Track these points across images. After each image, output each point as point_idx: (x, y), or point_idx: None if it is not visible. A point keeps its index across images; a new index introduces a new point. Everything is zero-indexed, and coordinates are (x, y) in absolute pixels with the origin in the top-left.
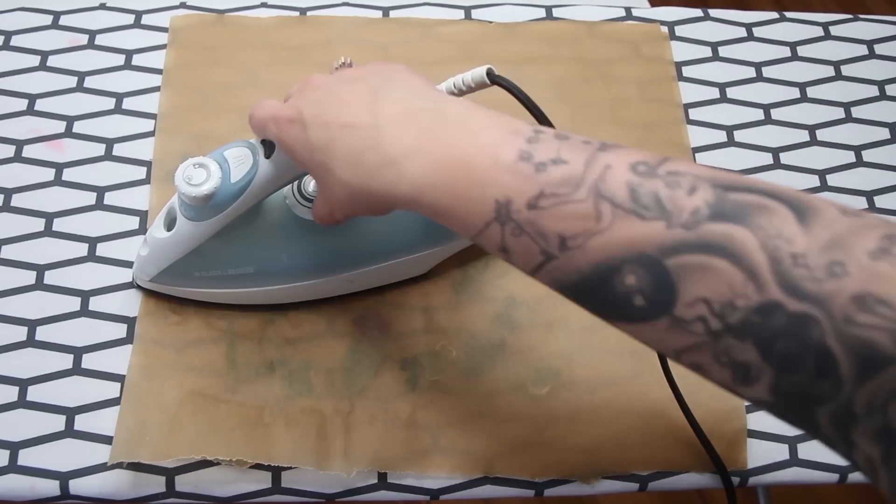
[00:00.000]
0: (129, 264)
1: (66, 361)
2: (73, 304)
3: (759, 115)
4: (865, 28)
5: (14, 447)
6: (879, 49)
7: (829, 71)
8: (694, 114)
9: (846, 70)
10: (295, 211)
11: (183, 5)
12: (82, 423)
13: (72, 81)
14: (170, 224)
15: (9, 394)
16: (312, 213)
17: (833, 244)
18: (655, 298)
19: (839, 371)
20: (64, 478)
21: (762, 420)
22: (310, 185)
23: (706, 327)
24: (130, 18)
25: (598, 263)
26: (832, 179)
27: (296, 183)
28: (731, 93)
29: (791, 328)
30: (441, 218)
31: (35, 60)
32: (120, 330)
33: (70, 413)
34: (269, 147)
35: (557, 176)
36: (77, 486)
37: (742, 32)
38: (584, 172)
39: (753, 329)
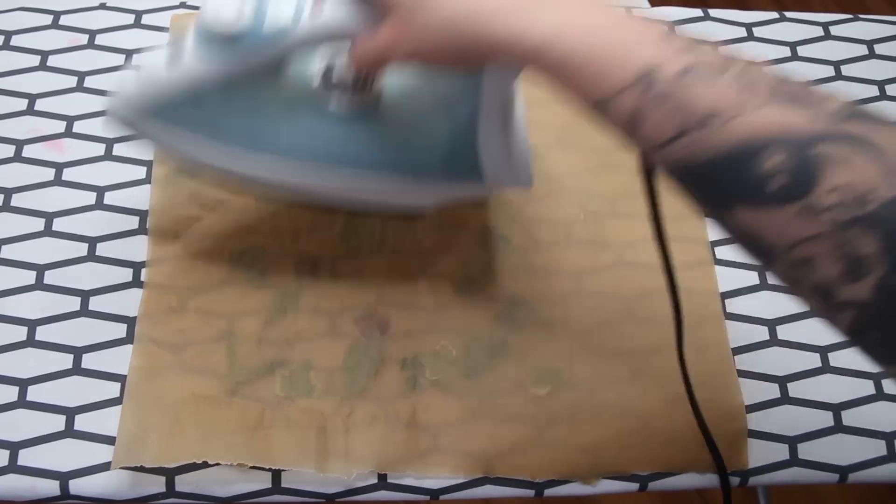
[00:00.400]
0: (129, 264)
1: (66, 361)
2: (73, 303)
3: None
4: (865, 28)
5: (14, 447)
6: (879, 49)
7: (829, 71)
8: None
9: (846, 70)
10: (319, 91)
11: (183, 5)
12: (82, 423)
13: (72, 81)
14: (176, 57)
15: (9, 394)
16: (356, 46)
17: None
18: (794, 182)
19: None
20: (64, 478)
21: (762, 420)
22: (340, 69)
23: (835, 217)
24: (130, 18)
25: (740, 143)
26: None
27: (324, 66)
28: None
29: None
30: (565, 75)
31: (35, 60)
32: (120, 330)
33: (70, 413)
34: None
35: (706, 58)
36: (77, 486)
37: (742, 32)
38: (729, 63)
39: (883, 220)
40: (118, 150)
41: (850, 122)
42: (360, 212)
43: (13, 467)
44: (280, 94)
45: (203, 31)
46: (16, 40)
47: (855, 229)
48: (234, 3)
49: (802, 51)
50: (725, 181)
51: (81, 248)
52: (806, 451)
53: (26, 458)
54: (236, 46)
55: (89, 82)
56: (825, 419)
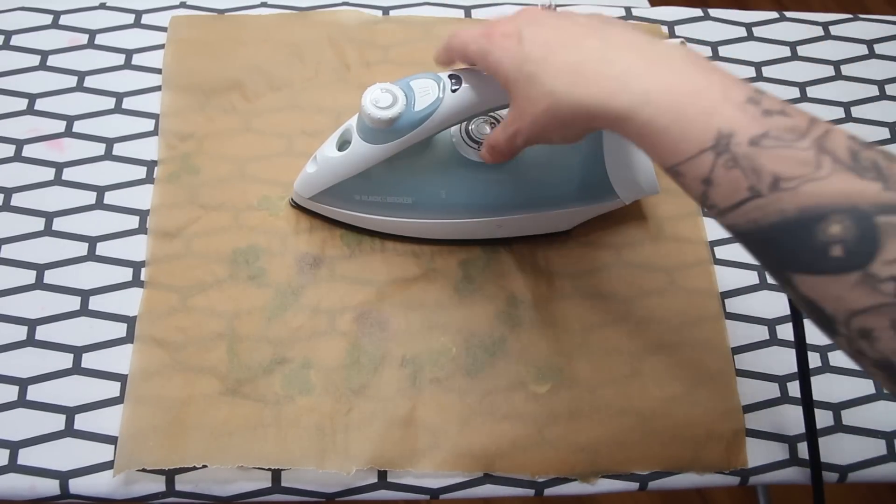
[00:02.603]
0: (129, 263)
1: (66, 361)
2: (73, 303)
3: None
4: (865, 28)
5: (14, 447)
6: (879, 49)
7: (829, 71)
8: None
9: (846, 70)
10: (460, 150)
11: (183, 5)
12: (82, 422)
13: (72, 81)
14: (342, 146)
15: (9, 393)
16: (486, 145)
17: None
18: (855, 251)
19: None
20: (64, 477)
21: (762, 420)
22: (485, 127)
23: None
24: (130, 18)
25: (806, 208)
26: None
27: (464, 125)
28: None
29: None
30: (649, 138)
31: (35, 60)
32: (120, 329)
33: (70, 412)
34: (455, 81)
35: (783, 124)
36: (77, 486)
37: (742, 32)
38: (808, 128)
39: None
40: (118, 149)
41: None
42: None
43: (13, 467)
44: (431, 159)
45: (363, 125)
46: (16, 40)
47: None
48: (386, 98)
49: (802, 51)
50: (788, 246)
51: (81, 248)
52: (806, 450)
53: (26, 457)
54: (392, 133)
55: (89, 82)
56: (825, 419)
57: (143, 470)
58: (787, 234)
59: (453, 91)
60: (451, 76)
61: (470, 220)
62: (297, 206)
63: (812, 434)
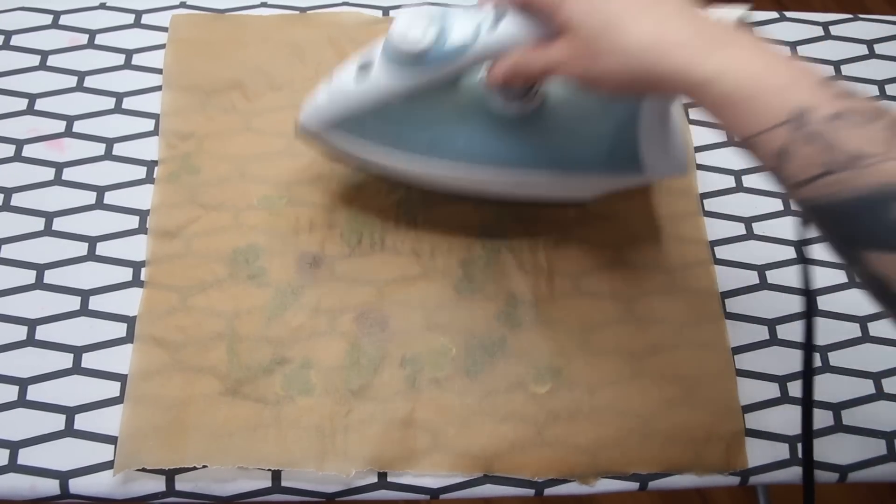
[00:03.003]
0: (129, 263)
1: (66, 361)
2: (73, 303)
3: None
4: (865, 28)
5: (14, 446)
6: (879, 49)
7: (829, 71)
8: (694, 113)
9: (846, 70)
10: (488, 98)
11: (183, 4)
12: (82, 422)
13: (72, 81)
14: (362, 70)
15: (9, 393)
16: (507, 63)
17: None
18: None
19: None
20: (64, 477)
21: (762, 420)
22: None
23: None
24: (130, 18)
25: (881, 186)
26: None
27: None
28: None
29: None
30: (728, 108)
31: (35, 60)
32: (120, 329)
33: (70, 412)
34: (497, 16)
35: (859, 105)
36: (77, 486)
37: None
38: (880, 112)
39: None
40: (118, 149)
41: None
42: (523, 203)
43: (13, 466)
44: (455, 102)
45: (390, 49)
46: (16, 40)
47: None
48: (420, 23)
49: (802, 50)
50: (861, 223)
51: (81, 248)
52: None
53: (26, 457)
54: (422, 63)
55: (89, 82)
56: (825, 419)
57: (143, 470)
58: (861, 211)
59: (494, 26)
60: (494, 9)
61: (489, 173)
62: (306, 135)
63: (808, 434)
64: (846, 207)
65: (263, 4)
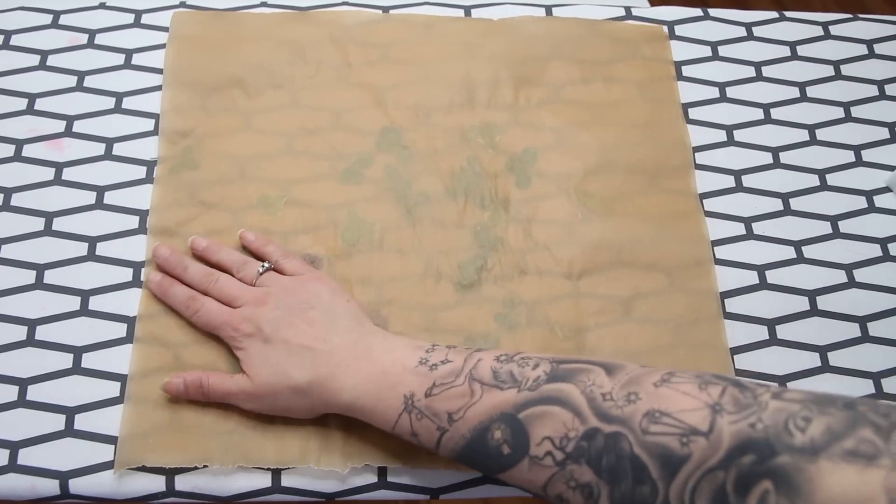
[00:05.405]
0: (129, 263)
1: (66, 361)
2: (73, 303)
3: (758, 114)
4: (865, 28)
5: (14, 447)
6: (879, 49)
7: (829, 70)
8: (694, 113)
9: (846, 70)
10: None
11: (183, 4)
12: (82, 422)
13: (72, 81)
14: None
15: (9, 393)
16: (211, 379)
17: (629, 382)
18: (515, 445)
19: (651, 474)
20: (64, 477)
21: None
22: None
23: (553, 459)
24: (130, 18)
25: (475, 427)
26: (832, 179)
27: None
28: (731, 92)
29: (608, 445)
30: (369, 417)
31: (35, 60)
32: (120, 329)
33: (70, 413)
34: None
35: (445, 371)
36: (77, 486)
37: (742, 32)
38: (462, 366)
39: (584, 452)
40: (118, 149)
41: (548, 384)
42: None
43: (13, 467)
44: None
45: None
46: (16, 40)
47: (570, 465)
48: None
49: (802, 50)
50: (480, 458)
51: (81, 248)
52: None
53: (26, 457)
54: None
55: (89, 82)
56: None
57: (143, 468)
58: (473, 451)
59: None
60: None
61: None
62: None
63: None
64: (467, 452)
65: (263, 3)
